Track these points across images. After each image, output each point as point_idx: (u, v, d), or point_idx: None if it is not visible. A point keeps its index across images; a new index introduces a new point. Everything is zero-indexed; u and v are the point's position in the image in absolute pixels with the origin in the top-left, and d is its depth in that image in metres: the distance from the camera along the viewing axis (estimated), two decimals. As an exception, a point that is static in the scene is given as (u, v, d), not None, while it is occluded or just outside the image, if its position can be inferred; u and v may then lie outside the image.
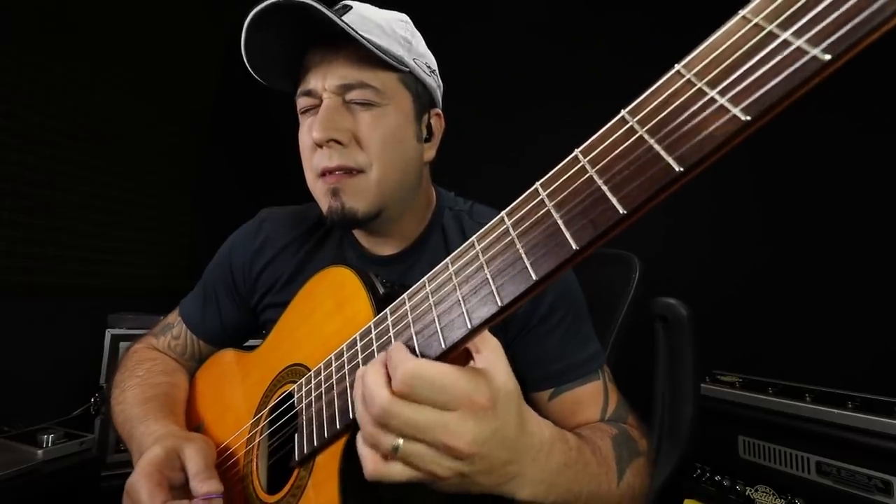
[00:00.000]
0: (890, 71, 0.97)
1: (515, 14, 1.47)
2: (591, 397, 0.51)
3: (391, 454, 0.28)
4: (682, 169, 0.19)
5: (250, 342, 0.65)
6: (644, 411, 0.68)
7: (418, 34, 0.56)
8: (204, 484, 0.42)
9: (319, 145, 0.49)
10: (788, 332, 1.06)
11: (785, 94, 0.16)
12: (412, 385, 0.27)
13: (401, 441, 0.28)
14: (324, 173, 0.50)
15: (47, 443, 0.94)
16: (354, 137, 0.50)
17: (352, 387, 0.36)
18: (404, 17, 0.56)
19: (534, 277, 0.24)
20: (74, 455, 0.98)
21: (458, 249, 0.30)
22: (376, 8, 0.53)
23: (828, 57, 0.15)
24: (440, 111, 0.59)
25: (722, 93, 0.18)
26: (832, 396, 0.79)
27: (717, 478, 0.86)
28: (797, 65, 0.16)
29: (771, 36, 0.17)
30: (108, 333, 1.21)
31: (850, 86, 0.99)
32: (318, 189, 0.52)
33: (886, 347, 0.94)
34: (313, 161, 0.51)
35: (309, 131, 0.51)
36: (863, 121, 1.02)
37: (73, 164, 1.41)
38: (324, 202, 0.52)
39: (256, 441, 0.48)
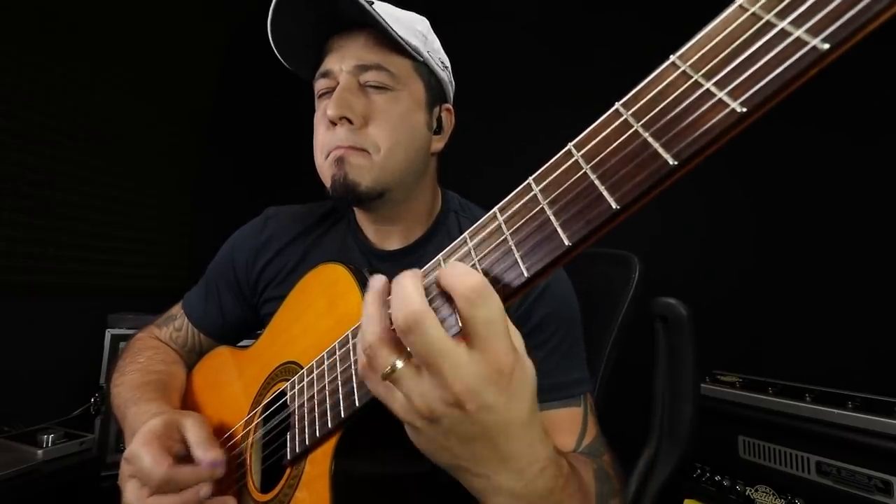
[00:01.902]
0: (883, 73, 0.97)
1: (516, 13, 1.47)
2: (567, 423, 0.49)
3: (384, 374, 0.26)
4: (676, 163, 0.18)
5: (244, 342, 0.65)
6: (644, 411, 0.68)
7: (434, 34, 0.59)
8: (207, 452, 0.42)
9: (333, 122, 0.51)
10: (788, 332, 1.06)
11: (782, 86, 0.16)
12: (477, 298, 0.24)
13: (400, 363, 0.26)
14: (334, 149, 0.52)
15: (47, 443, 0.95)
16: (365, 119, 0.51)
17: (344, 385, 0.36)
18: (423, 18, 0.58)
19: (525, 275, 0.24)
20: (74, 455, 0.98)
21: (451, 245, 0.30)
22: (397, 7, 0.56)
23: (826, 46, 0.15)
24: (451, 107, 0.61)
25: (718, 85, 0.18)
26: (832, 396, 0.78)
27: (717, 478, 0.86)
28: (795, 56, 0.16)
29: (768, 26, 0.17)
30: (108, 333, 1.21)
31: (847, 84, 0.99)
32: (326, 165, 0.53)
33: (886, 347, 0.93)
34: (325, 140, 0.52)
35: (324, 113, 0.52)
36: (861, 121, 1.02)
37: (73, 164, 1.41)
38: (328, 174, 0.52)
39: (250, 439, 0.48)
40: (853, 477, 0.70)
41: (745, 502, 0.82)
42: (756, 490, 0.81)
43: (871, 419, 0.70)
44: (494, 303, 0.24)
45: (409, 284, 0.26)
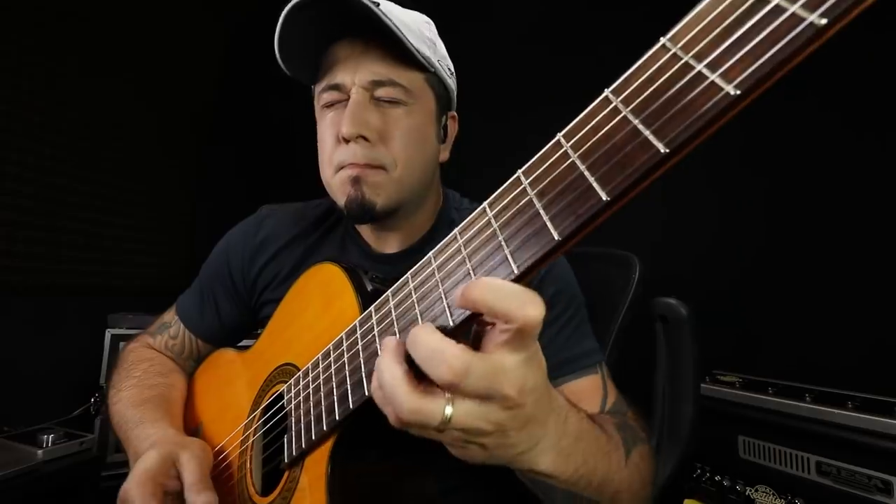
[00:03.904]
0: (885, 71, 0.96)
1: (516, 13, 1.46)
2: (588, 391, 0.49)
3: (440, 426, 0.25)
4: (668, 150, 0.18)
5: (245, 342, 0.64)
6: (644, 411, 0.67)
7: (440, 39, 0.57)
8: (199, 496, 0.41)
9: (347, 140, 0.49)
10: (789, 332, 1.05)
11: (777, 66, 0.15)
12: (522, 301, 0.23)
13: (450, 409, 0.24)
14: (347, 166, 0.50)
15: (47, 443, 0.95)
16: (380, 135, 0.50)
17: (339, 387, 0.36)
18: (428, 19, 0.56)
19: (515, 271, 0.23)
20: (74, 455, 0.99)
21: (441, 243, 0.29)
22: (402, 8, 0.54)
23: (824, 22, 0.14)
24: (455, 114, 0.60)
25: (710, 67, 0.17)
26: (832, 396, 0.78)
27: (717, 478, 0.85)
28: (792, 33, 0.15)
29: (762, 1, 0.16)
30: (108, 333, 1.22)
31: (847, 84, 0.98)
32: (337, 180, 0.51)
33: (886, 347, 0.92)
34: (335, 156, 0.51)
35: (332, 125, 0.50)
36: (862, 118, 1.01)
37: (73, 165, 1.41)
38: (342, 191, 0.51)
39: (250, 442, 0.48)
40: (853, 477, 0.69)
41: (745, 502, 0.81)
42: (756, 490, 0.80)
43: (871, 419, 0.69)
44: (540, 301, 0.23)
45: (429, 339, 0.24)
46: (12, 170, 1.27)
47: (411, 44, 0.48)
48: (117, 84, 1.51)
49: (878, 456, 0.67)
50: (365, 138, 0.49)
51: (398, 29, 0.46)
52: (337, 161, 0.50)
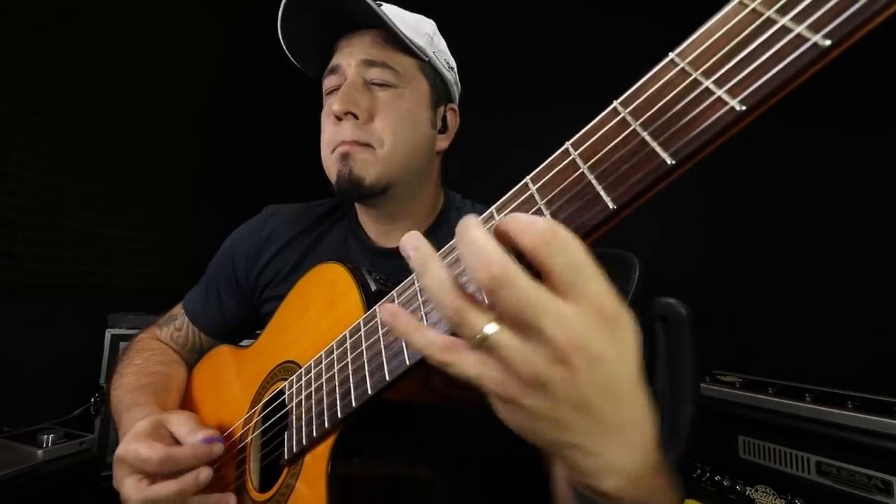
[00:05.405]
0: (883, 78, 0.96)
1: (517, 12, 1.47)
2: None
3: (475, 342, 0.22)
4: (674, 162, 0.18)
5: (245, 342, 0.65)
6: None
7: (440, 37, 0.61)
8: (199, 433, 0.43)
9: (339, 118, 0.53)
10: (788, 332, 1.06)
11: (782, 84, 0.16)
12: (548, 241, 0.20)
13: (495, 328, 0.21)
14: (339, 145, 0.54)
15: (47, 443, 0.95)
16: (370, 115, 0.53)
17: (341, 385, 0.36)
18: (430, 21, 0.61)
19: (523, 275, 0.23)
20: (74, 455, 0.99)
21: (448, 245, 0.29)
22: (404, 10, 0.58)
23: (828, 43, 0.15)
24: (456, 107, 0.63)
25: (717, 83, 0.17)
26: (832, 396, 0.78)
27: (717, 478, 0.86)
28: (796, 53, 0.15)
29: (769, 22, 0.16)
30: (108, 333, 1.22)
31: (847, 85, 0.98)
32: (331, 159, 0.55)
33: (886, 347, 0.93)
34: (331, 136, 0.54)
35: (331, 109, 0.54)
36: (861, 119, 1.01)
37: (73, 164, 1.41)
38: (333, 169, 0.54)
39: (249, 438, 0.48)
40: (853, 477, 0.70)
41: (745, 502, 0.81)
42: (756, 490, 0.81)
43: (871, 419, 0.69)
44: (575, 245, 0.21)
45: (479, 236, 0.21)
46: (12, 170, 1.26)
47: (399, 29, 0.52)
48: (117, 84, 1.51)
49: (878, 456, 0.67)
50: (355, 116, 0.52)
51: (386, 16, 0.50)
52: (332, 141, 0.54)
